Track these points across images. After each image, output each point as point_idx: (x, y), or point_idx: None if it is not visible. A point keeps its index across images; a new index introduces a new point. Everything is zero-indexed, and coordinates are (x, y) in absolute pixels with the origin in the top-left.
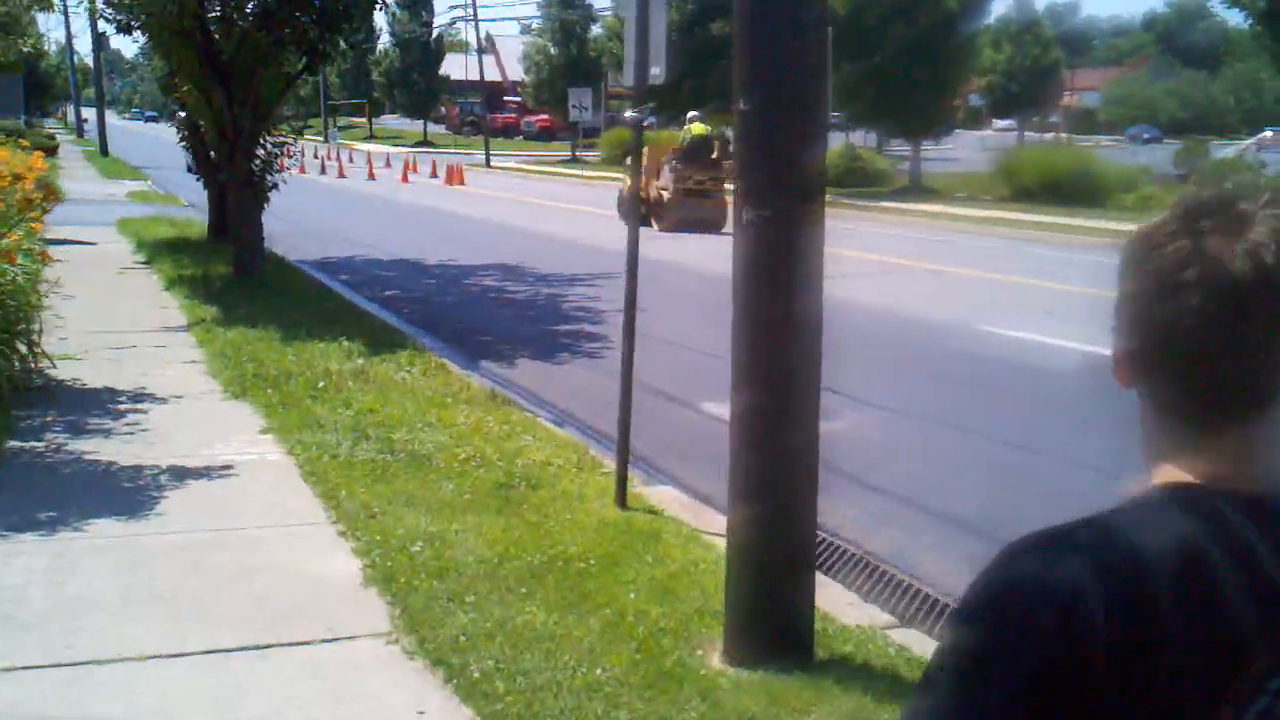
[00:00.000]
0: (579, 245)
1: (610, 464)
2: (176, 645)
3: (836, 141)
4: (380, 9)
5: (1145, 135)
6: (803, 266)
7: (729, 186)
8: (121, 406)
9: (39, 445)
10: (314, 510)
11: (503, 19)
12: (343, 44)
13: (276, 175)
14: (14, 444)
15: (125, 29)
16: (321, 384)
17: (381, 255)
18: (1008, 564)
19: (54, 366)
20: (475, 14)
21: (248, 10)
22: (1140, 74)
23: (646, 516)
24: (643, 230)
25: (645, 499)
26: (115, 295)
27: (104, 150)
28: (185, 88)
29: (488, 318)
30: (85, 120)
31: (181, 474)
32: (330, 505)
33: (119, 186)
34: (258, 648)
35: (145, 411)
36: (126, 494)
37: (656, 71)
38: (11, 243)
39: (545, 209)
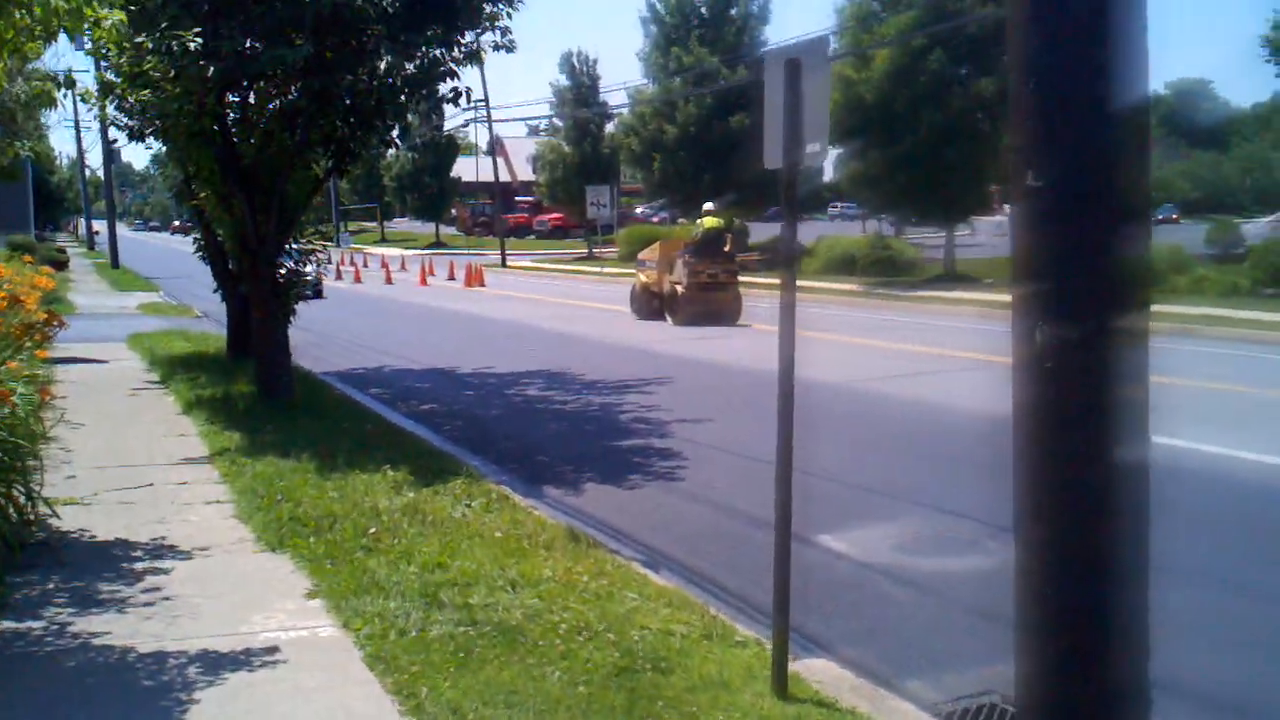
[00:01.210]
0: (616, 347)
1: (743, 629)
2: None
3: (851, 229)
4: (416, 104)
5: (1159, 215)
6: (1128, 403)
7: (742, 279)
8: (138, 566)
9: (37, 626)
10: (387, 714)
11: (511, 120)
12: (376, 141)
13: (304, 285)
14: (7, 624)
15: (138, 136)
16: (372, 529)
17: (412, 364)
18: None
19: (58, 517)
20: (490, 114)
21: (269, 109)
22: (1153, 155)
23: (820, 712)
24: (667, 326)
25: (805, 682)
26: (128, 421)
27: (115, 262)
28: (203, 194)
29: (540, 433)
30: (97, 233)
31: (215, 663)
32: (408, 707)
33: (130, 298)
34: None
35: (167, 571)
36: (147, 697)
37: (815, 149)
38: (8, 372)
39: (571, 309)
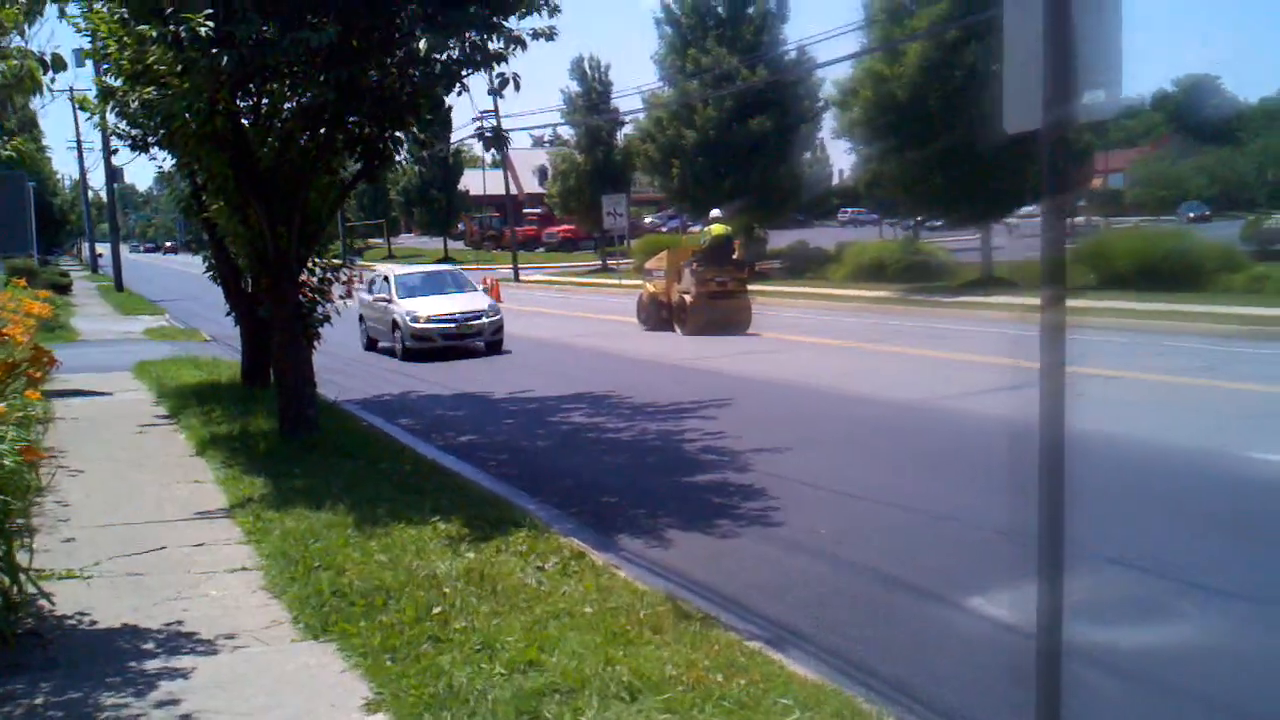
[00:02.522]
0: (659, 365)
1: None
2: None
3: (864, 235)
4: (458, 94)
5: (1191, 214)
6: None
7: (763, 287)
8: (150, 665)
9: None
10: None
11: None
12: (410, 140)
13: (329, 305)
14: None
15: (142, 146)
16: (436, 607)
17: (440, 389)
18: None
19: (50, 601)
20: (499, 124)
21: (289, 107)
22: (1165, 153)
23: None
24: (712, 341)
25: None
26: (134, 466)
27: (119, 285)
28: (215, 206)
29: (598, 468)
30: (100, 255)
31: None
32: None
33: (135, 323)
34: None
35: (185, 674)
36: None
37: (1099, 98)
38: None
39: (598, 324)
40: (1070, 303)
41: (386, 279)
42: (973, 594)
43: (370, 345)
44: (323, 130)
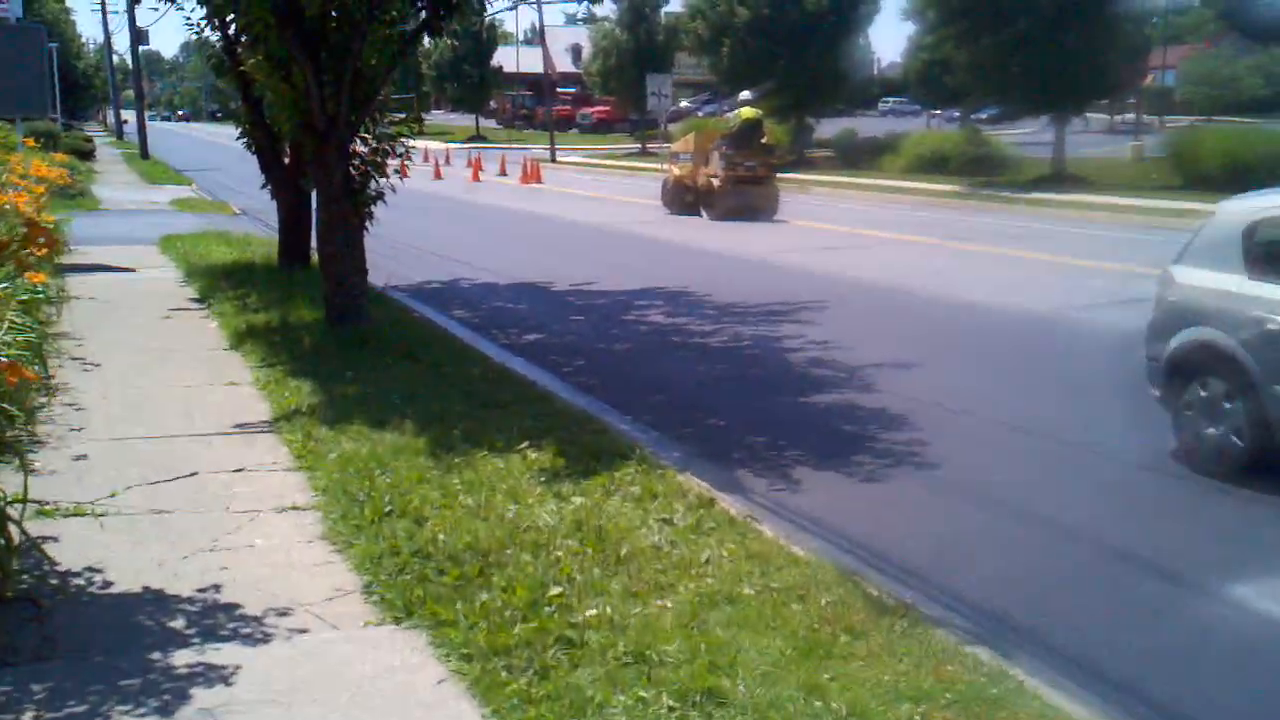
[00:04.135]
0: (730, 258)
1: None
2: None
3: (904, 126)
4: None
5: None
6: None
7: (805, 175)
8: (178, 662)
9: None
10: None
11: (551, 2)
12: None
13: (383, 180)
14: None
15: None
16: (554, 586)
17: (494, 277)
18: None
19: (52, 564)
20: None
21: None
22: (1222, 50)
23: None
24: (775, 230)
25: None
26: (160, 361)
27: (144, 153)
28: (252, 61)
29: (694, 381)
30: (125, 122)
31: None
32: None
33: (161, 193)
34: None
35: (226, 676)
36: None
37: None
38: None
39: (650, 210)
40: (1195, 204)
41: None
42: (1231, 576)
43: None
44: None
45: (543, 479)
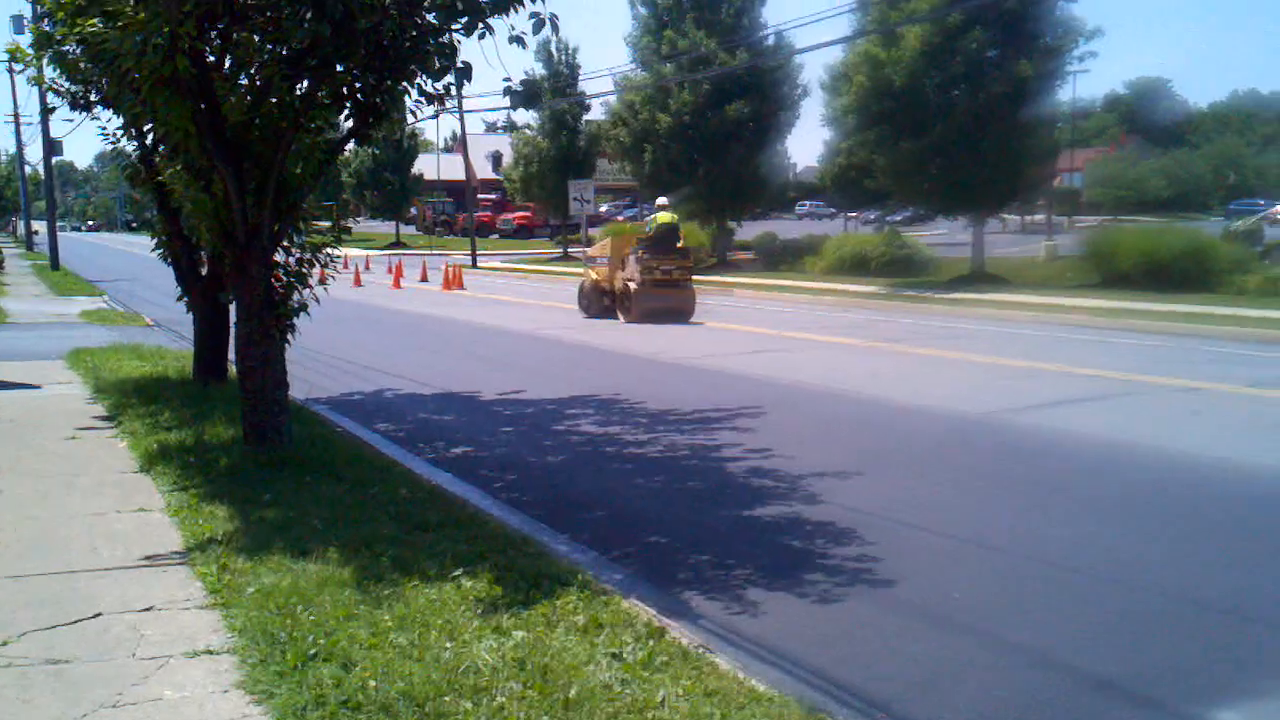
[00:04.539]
0: (661, 364)
1: None
2: None
3: (822, 229)
4: (480, 37)
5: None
6: None
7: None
8: None
9: None
10: None
11: (479, 109)
12: (416, 94)
13: (306, 292)
14: None
15: (83, 104)
16: None
17: (420, 387)
18: None
19: None
20: (461, 105)
21: (267, 50)
22: (1125, 153)
23: None
24: (710, 334)
25: None
26: (64, 486)
27: (55, 264)
28: (170, 170)
29: (633, 495)
30: (36, 233)
31: None
32: None
33: (72, 305)
34: None
35: None
36: None
37: None
38: None
39: (575, 314)
40: (1101, 303)
41: None
42: (1219, 706)
43: None
44: (307, 79)
45: (480, 610)
